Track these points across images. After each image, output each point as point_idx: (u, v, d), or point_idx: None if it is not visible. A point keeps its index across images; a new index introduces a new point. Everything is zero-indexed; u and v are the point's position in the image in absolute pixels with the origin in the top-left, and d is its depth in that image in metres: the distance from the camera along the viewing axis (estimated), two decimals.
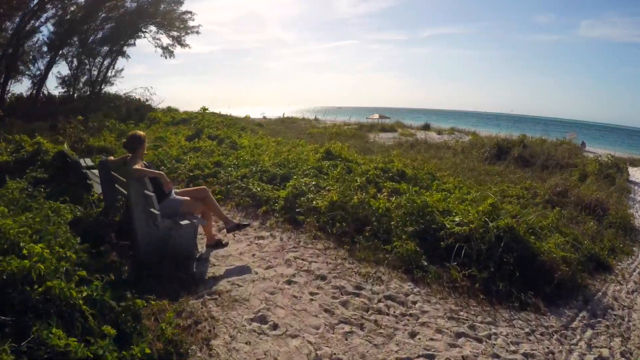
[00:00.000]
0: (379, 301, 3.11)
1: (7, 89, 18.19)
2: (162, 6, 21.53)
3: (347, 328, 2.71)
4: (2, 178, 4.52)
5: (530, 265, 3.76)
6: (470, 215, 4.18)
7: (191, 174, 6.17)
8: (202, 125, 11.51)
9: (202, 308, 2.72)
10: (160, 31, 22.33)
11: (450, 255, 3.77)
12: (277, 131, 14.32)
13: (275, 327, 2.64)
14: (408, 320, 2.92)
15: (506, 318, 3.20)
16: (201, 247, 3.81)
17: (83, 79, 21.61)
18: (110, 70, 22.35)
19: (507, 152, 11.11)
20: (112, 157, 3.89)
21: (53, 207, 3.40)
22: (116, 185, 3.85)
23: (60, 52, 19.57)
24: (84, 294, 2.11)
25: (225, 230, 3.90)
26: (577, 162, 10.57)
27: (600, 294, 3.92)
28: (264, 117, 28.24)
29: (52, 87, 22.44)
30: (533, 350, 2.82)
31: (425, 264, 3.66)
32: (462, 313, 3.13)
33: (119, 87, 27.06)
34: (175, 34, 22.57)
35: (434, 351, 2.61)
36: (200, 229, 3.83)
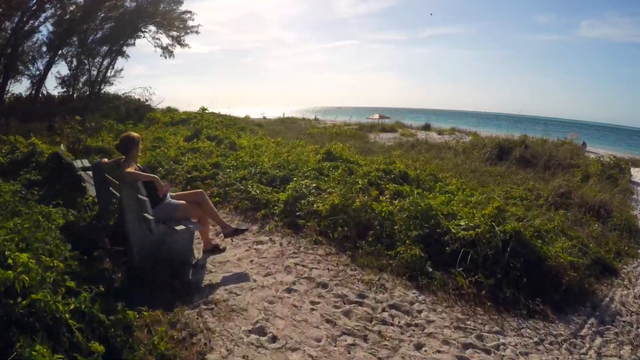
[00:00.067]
0: (383, 310, 2.99)
1: (7, 89, 18.09)
2: (162, 6, 21.41)
3: (350, 340, 2.59)
4: None
5: (537, 270, 3.66)
6: (475, 219, 4.06)
7: (189, 176, 6.05)
8: (201, 126, 11.39)
9: (197, 319, 2.60)
10: (160, 31, 22.23)
11: (455, 260, 3.65)
12: (277, 131, 14.20)
13: (274, 339, 2.52)
14: (413, 330, 2.80)
15: (514, 327, 3.08)
16: (198, 253, 3.69)
17: (82, 79, 21.50)
18: (109, 70, 22.26)
19: (509, 152, 10.99)
20: (105, 159, 3.77)
21: (44, 212, 3.28)
22: (110, 188, 3.73)
23: (60, 52, 19.44)
24: (72, 306, 1.99)
25: (222, 234, 3.78)
26: (579, 162, 10.47)
27: (607, 299, 3.82)
28: (264, 117, 28.14)
29: (52, 87, 22.35)
30: None
31: (430, 270, 3.55)
32: (469, 322, 3.01)
33: (118, 87, 26.98)
34: (174, 33, 22.45)
35: None
36: (197, 234, 3.71)
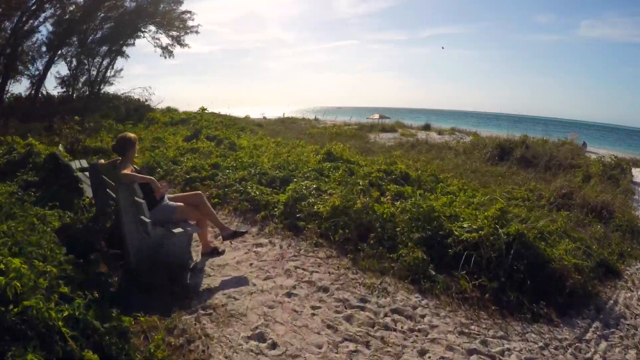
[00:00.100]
0: (386, 315, 2.93)
1: (6, 89, 18.02)
2: (162, 6, 21.34)
3: (351, 346, 2.53)
4: None
5: (540, 273, 3.60)
6: (478, 221, 4.00)
7: (188, 177, 5.98)
8: (200, 126, 11.33)
9: (195, 324, 2.54)
10: (160, 31, 22.15)
11: (458, 263, 3.59)
12: (277, 131, 14.14)
13: (274, 346, 2.46)
14: (417, 336, 2.74)
15: (519, 331, 3.02)
16: (196, 255, 3.63)
17: (82, 79, 21.42)
18: (109, 70, 22.18)
19: (510, 152, 10.94)
20: (102, 161, 3.71)
21: (39, 215, 3.22)
22: (107, 189, 3.67)
23: (59, 52, 19.37)
24: (65, 313, 1.93)
25: (221, 237, 3.72)
26: (580, 162, 10.41)
27: (611, 302, 3.77)
28: (264, 117, 28.08)
29: (51, 87, 22.28)
30: None
31: (433, 273, 3.49)
32: (473, 327, 2.95)
33: (118, 87, 26.92)
34: (174, 33, 22.37)
35: None
36: (195, 236, 3.65)
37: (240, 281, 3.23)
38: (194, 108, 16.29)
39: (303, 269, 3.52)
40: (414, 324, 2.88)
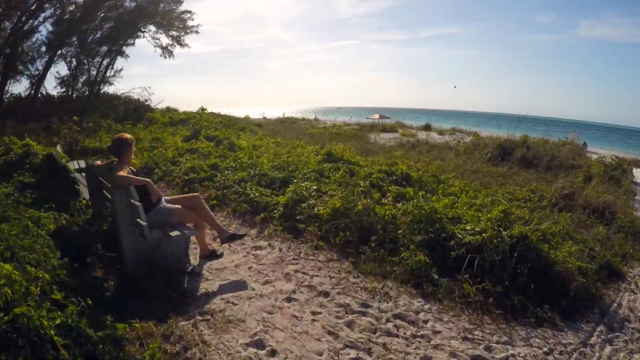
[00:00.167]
0: (388, 321, 2.86)
1: (6, 89, 17.97)
2: (162, 6, 21.29)
3: (353, 353, 2.46)
4: None
5: (544, 276, 3.54)
6: (481, 223, 3.93)
7: (186, 178, 5.93)
8: (200, 126, 11.27)
9: (192, 331, 2.47)
10: (160, 31, 22.09)
11: (460, 266, 3.52)
12: (277, 131, 14.08)
13: (273, 353, 2.39)
14: (419, 342, 2.68)
15: (523, 336, 2.96)
16: (194, 259, 3.57)
17: (82, 79, 21.37)
18: (109, 70, 22.12)
19: (510, 152, 10.87)
20: (99, 162, 3.64)
21: (34, 217, 3.15)
22: (104, 191, 3.60)
23: (59, 52, 19.33)
24: (57, 321, 1.87)
25: (219, 239, 3.65)
26: (581, 163, 10.35)
27: (615, 305, 3.70)
28: (264, 117, 28.02)
29: (51, 87, 22.26)
30: None
31: (436, 277, 3.42)
32: (476, 332, 2.88)
33: (117, 87, 26.87)
34: (174, 33, 22.32)
35: None
36: (193, 239, 3.59)
37: (239, 285, 3.17)
38: (194, 108, 16.25)
39: (303, 273, 3.46)
40: (417, 330, 2.82)
